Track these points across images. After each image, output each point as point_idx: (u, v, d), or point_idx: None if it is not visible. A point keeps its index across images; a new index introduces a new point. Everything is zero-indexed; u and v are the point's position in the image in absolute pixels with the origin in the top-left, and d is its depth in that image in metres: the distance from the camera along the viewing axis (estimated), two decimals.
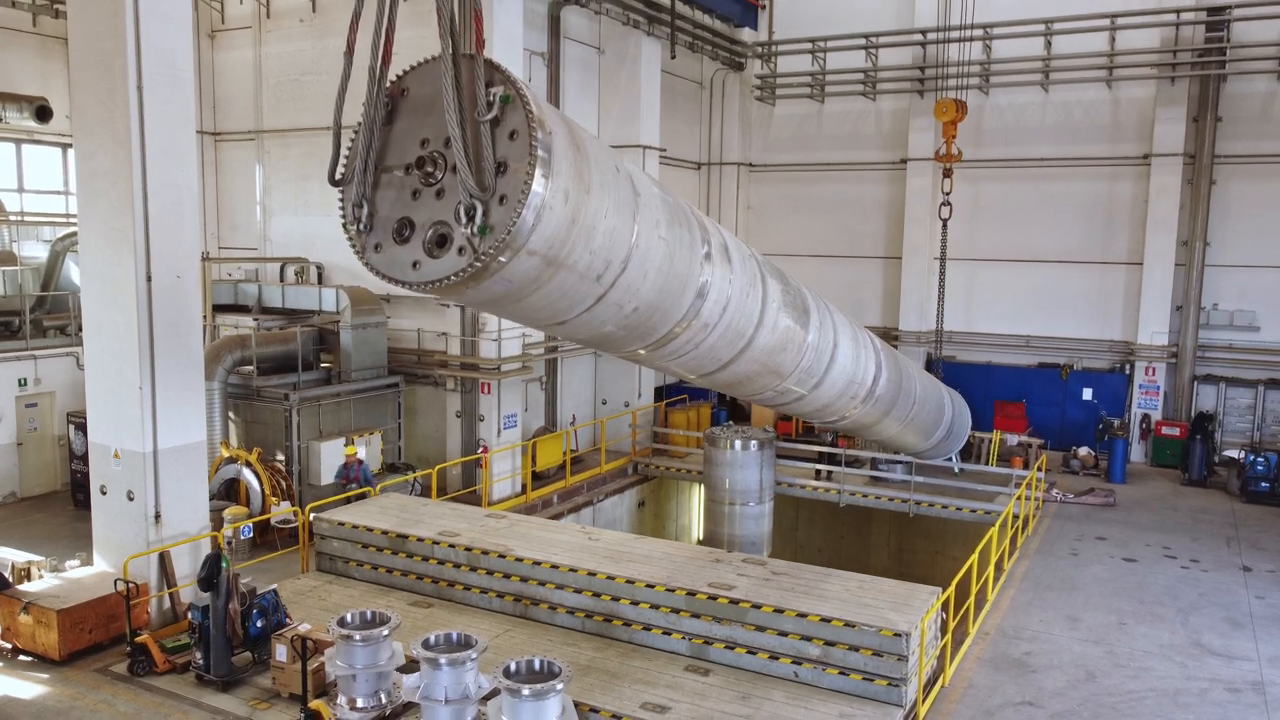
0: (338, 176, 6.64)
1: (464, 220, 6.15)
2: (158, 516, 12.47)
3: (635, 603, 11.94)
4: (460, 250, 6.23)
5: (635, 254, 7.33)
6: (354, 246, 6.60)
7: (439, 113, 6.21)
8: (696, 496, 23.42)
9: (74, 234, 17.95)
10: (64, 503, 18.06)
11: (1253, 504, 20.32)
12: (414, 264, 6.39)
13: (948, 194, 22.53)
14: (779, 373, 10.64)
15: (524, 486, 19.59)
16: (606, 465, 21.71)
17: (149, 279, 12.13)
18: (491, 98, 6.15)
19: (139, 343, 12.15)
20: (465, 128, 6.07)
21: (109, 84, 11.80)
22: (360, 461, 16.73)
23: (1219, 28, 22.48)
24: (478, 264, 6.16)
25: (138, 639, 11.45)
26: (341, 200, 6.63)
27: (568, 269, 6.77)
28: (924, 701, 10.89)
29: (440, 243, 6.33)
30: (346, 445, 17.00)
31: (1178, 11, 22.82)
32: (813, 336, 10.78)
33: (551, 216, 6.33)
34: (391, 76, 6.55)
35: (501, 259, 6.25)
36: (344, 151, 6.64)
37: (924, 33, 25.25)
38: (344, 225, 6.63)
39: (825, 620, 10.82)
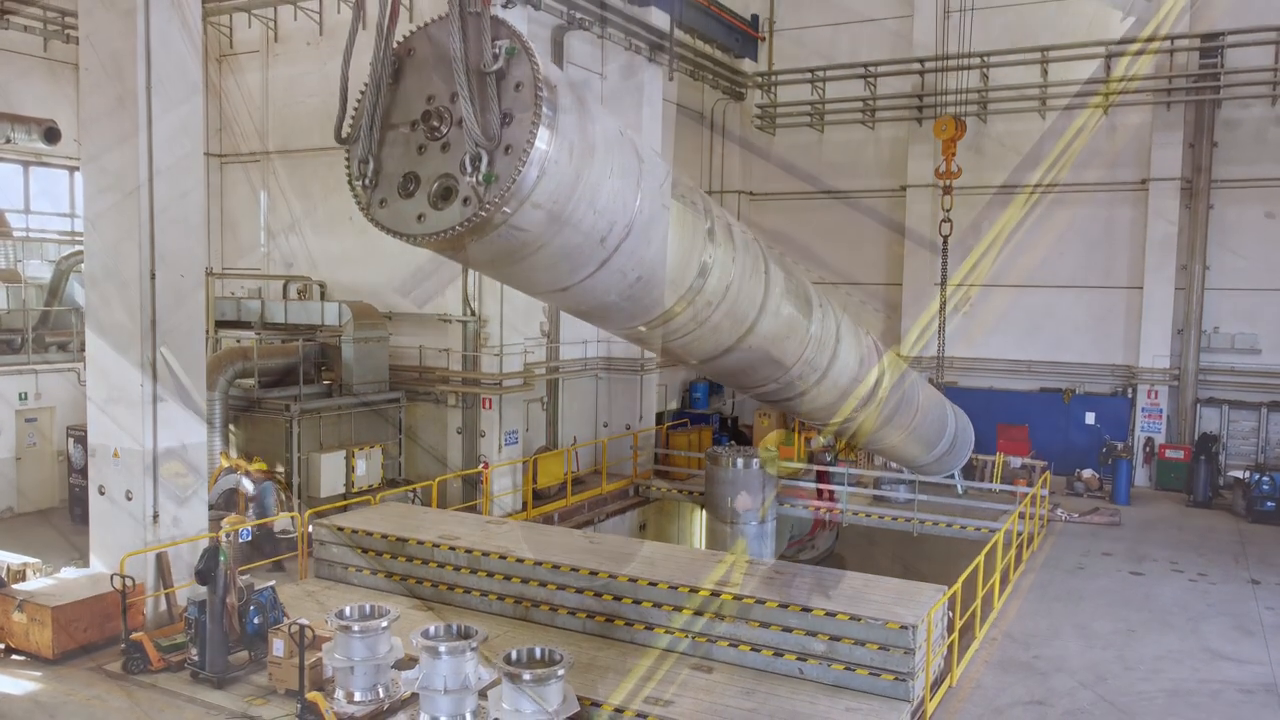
0: (344, 134, 6.69)
1: (469, 170, 6.18)
2: (156, 516, 12.38)
3: (638, 601, 11.79)
4: (465, 201, 6.24)
5: (639, 219, 7.32)
6: (359, 202, 6.62)
7: (445, 68, 6.28)
8: (698, 519, 23.22)
9: (79, 253, 18.06)
10: (61, 517, 17.90)
11: (1259, 523, 20.13)
12: (419, 217, 6.40)
13: (948, 211, 22.66)
14: (781, 363, 10.57)
15: (525, 504, 19.45)
16: (608, 486, 21.56)
17: (153, 277, 12.19)
18: (497, 50, 6.22)
19: (141, 341, 12.17)
20: (471, 77, 6.14)
21: (118, 83, 11.95)
22: (270, 478, 15.32)
23: (1213, 54, 22.79)
24: (482, 214, 6.17)
25: (133, 636, 11.30)
26: (347, 158, 6.68)
27: (572, 227, 6.77)
28: (931, 699, 10.70)
29: (445, 195, 6.34)
30: (253, 461, 15.57)
31: (1172, 38, 23.16)
32: (815, 328, 10.73)
33: (556, 170, 6.35)
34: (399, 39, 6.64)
35: (506, 209, 6.25)
36: (350, 110, 6.70)
37: (922, 61, 25.63)
38: (349, 181, 6.65)
39: (830, 615, 10.67)
